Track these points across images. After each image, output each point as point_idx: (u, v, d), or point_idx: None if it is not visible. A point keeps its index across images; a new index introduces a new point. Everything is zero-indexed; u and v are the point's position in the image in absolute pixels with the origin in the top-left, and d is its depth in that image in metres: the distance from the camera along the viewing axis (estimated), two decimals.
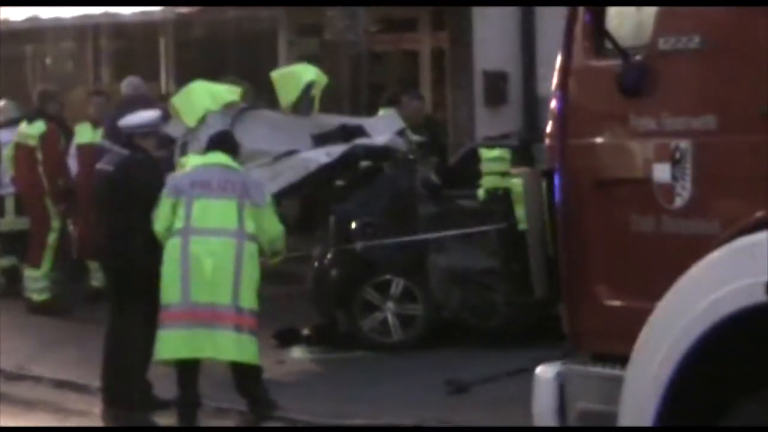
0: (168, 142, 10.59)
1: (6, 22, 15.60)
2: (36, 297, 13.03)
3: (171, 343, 8.89)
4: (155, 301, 8.96)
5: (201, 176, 9.04)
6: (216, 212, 8.95)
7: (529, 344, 9.33)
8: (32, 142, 13.20)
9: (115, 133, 10.75)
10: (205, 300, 8.85)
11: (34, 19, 15.28)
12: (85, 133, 13.19)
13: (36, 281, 13.11)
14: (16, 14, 15.55)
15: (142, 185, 9.22)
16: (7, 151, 13.63)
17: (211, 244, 8.84)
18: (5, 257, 14.17)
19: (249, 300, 8.89)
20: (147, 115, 9.78)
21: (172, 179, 9.10)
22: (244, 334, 8.89)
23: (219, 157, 9.17)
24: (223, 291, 8.82)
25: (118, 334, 9.34)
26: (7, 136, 13.89)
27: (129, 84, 13.49)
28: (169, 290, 8.83)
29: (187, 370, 8.95)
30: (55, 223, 13.11)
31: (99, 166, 9.85)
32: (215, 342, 8.88)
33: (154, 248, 9.03)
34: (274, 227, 9.11)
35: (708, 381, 4.78)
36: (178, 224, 8.88)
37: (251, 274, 8.92)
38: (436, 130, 14.06)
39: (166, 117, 11.03)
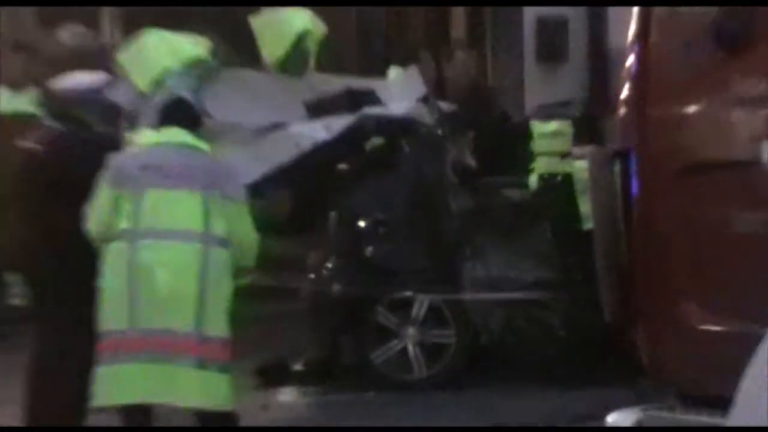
0: (113, 112, 10.53)
1: None
2: None
3: (114, 384, 8.81)
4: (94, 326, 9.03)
5: (154, 159, 8.98)
6: (174, 208, 8.87)
7: (595, 382, 9.46)
8: None
9: (46, 102, 10.78)
10: (160, 326, 8.77)
11: None
12: (2, 102, 13.27)
13: None
14: None
15: (81, 171, 9.15)
16: None
17: (168, 251, 8.79)
18: None
19: (218, 325, 8.80)
20: (88, 78, 9.86)
21: (115, 163, 8.99)
22: (212, 370, 8.79)
23: (177, 134, 9.11)
24: (183, 313, 8.73)
25: (48, 367, 9.36)
26: None
27: (74, 34, 13.56)
28: (111, 313, 8.75)
29: (135, 419, 8.97)
30: None
31: (22, 144, 9.88)
32: (173, 381, 8.79)
33: (93, 256, 9.07)
34: (246, 233, 9.03)
35: None
36: (123, 224, 8.81)
37: (221, 290, 8.85)
38: (481, 98, 14.15)
39: (112, 80, 11.09)
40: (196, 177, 8.82)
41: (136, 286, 8.60)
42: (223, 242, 8.76)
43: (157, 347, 8.67)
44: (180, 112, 9.34)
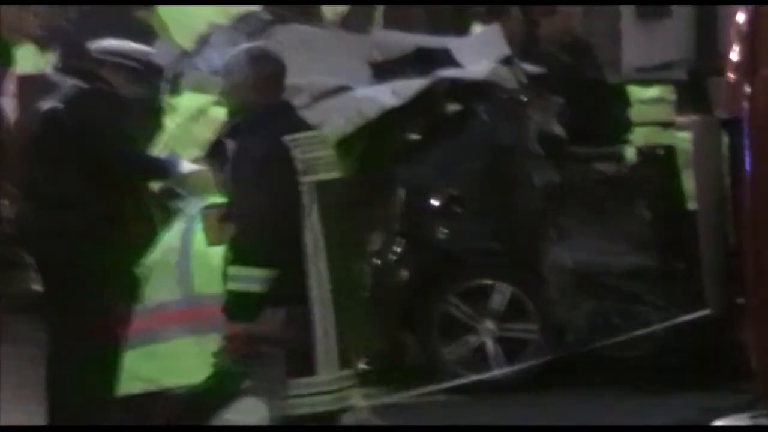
0: (153, 72, 10.60)
1: None
2: None
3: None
4: (105, 310, 9.17)
5: None
6: None
7: (697, 385, 9.39)
8: None
9: (69, 57, 10.99)
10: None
11: None
12: (26, 60, 13.48)
13: None
14: None
15: (101, 132, 9.36)
16: None
17: None
18: None
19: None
20: (140, 50, 10.03)
21: None
22: None
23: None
24: None
25: (62, 359, 9.49)
26: None
27: None
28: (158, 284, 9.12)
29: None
30: None
31: (41, 104, 10.03)
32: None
33: (100, 229, 9.22)
34: None
35: None
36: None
37: None
38: (581, 58, 14.14)
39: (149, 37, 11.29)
40: None
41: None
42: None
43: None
44: None
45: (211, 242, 8.69)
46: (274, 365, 8.18)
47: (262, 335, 8.03)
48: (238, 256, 7.84)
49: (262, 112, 8.20)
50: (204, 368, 8.96)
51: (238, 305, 7.83)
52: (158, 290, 9.12)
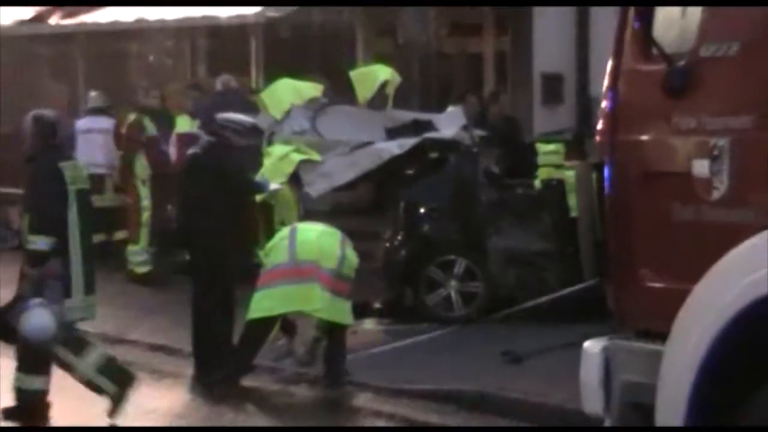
0: (257, 132, 10.55)
1: (115, 23, 15.79)
2: (138, 270, 13.18)
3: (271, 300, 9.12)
4: (228, 274, 9.20)
5: None
6: None
7: (578, 320, 9.24)
8: (123, 131, 13.54)
9: (207, 122, 10.83)
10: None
11: (141, 21, 15.49)
12: (183, 124, 13.31)
13: (136, 255, 13.26)
14: (125, 15, 15.77)
15: (220, 166, 9.31)
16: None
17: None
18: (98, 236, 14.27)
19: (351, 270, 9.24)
20: (248, 120, 9.95)
21: None
22: (342, 298, 9.07)
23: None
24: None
25: (200, 304, 9.43)
26: (88, 123, 14.14)
27: (222, 81, 13.62)
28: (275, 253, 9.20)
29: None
30: (146, 203, 13.16)
31: (190, 151, 9.95)
32: (310, 300, 9.00)
33: (225, 225, 9.16)
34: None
35: (742, 357, 4.76)
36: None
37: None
38: (511, 127, 14.01)
39: (255, 111, 11.19)
40: None
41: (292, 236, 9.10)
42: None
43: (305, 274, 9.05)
44: None
45: None
46: (55, 291, 8.15)
47: (50, 274, 8.09)
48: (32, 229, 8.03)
49: None
50: (299, 304, 9.06)
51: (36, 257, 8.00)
52: (276, 258, 9.01)
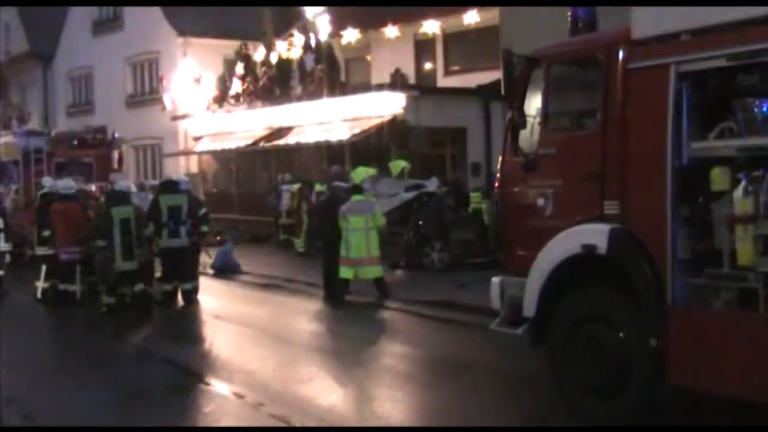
0: (345, 192, 10.79)
1: (287, 144, 16.20)
2: (299, 250, 14.03)
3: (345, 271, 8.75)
4: (336, 253, 9.22)
5: (354, 205, 9.25)
6: (358, 220, 9.24)
7: (491, 268, 8.06)
8: (295, 190, 14.26)
9: (329, 186, 11.35)
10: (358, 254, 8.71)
11: (299, 144, 16.07)
12: (319, 187, 13.94)
13: (298, 244, 14.16)
14: (292, 139, 16.08)
15: (334, 207, 9.43)
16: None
17: (357, 232, 9.30)
18: (282, 236, 14.89)
19: (375, 252, 9.17)
20: (345, 186, 10.38)
21: (344, 207, 9.18)
22: (376, 264, 9.42)
23: (359, 197, 9.36)
24: (363, 250, 9.03)
25: (326, 264, 9.88)
26: (281, 186, 15.16)
27: (335, 168, 14.03)
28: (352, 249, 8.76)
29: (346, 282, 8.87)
30: (305, 219, 14.02)
31: (321, 197, 10.52)
32: (364, 271, 8.99)
33: (331, 231, 9.48)
34: (379, 222, 9.28)
35: (558, 283, 5.00)
36: (344, 225, 9.35)
37: (375, 242, 9.26)
38: (459, 185, 14.36)
39: (348, 181, 11.36)
40: (365, 209, 9.21)
41: (349, 242, 8.98)
42: (374, 227, 9.26)
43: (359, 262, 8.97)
44: (359, 190, 9.52)
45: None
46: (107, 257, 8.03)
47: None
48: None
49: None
50: (355, 275, 8.97)
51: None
52: (358, 252, 9.28)
